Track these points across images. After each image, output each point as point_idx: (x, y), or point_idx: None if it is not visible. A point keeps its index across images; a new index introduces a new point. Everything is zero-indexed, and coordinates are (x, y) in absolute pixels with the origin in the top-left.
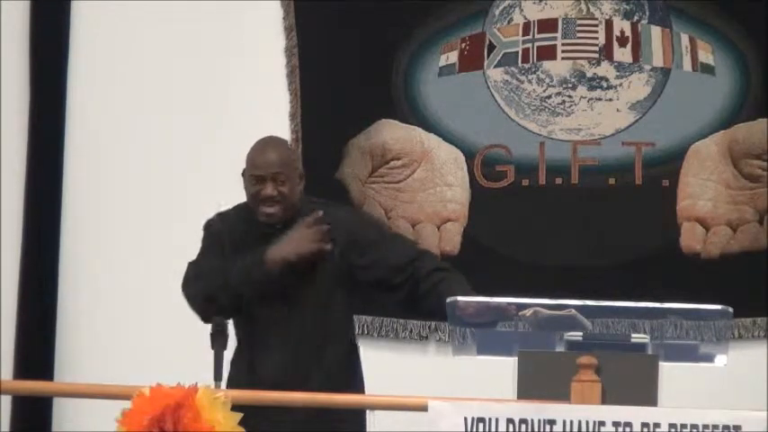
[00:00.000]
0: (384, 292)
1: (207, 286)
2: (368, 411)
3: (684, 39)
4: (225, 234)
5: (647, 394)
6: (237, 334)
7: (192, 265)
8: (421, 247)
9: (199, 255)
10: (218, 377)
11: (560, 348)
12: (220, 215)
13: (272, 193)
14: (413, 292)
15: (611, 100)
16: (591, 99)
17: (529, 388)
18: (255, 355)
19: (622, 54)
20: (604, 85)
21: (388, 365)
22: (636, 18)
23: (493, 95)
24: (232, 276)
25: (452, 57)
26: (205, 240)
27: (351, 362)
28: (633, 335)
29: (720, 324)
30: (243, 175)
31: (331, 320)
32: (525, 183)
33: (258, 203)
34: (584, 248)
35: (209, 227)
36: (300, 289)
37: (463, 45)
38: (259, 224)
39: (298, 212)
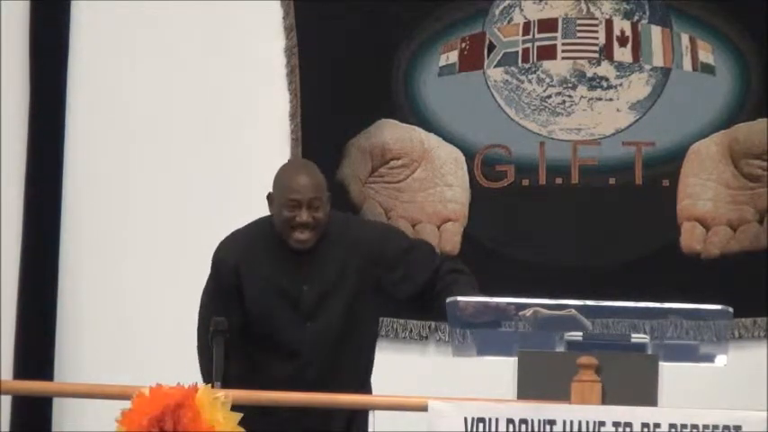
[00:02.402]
0: (409, 303)
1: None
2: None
3: (684, 38)
4: (238, 267)
5: (647, 394)
6: (245, 340)
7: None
8: (438, 255)
9: (203, 297)
10: (218, 377)
11: (560, 348)
12: (234, 239)
13: (307, 219)
14: (429, 296)
15: (611, 100)
16: (591, 99)
17: (529, 388)
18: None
19: (622, 54)
20: (604, 84)
21: (388, 365)
22: (636, 18)
23: (493, 95)
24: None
25: (452, 56)
26: (211, 279)
27: (368, 375)
28: (633, 335)
29: (720, 324)
30: (269, 198)
31: (355, 334)
32: (525, 183)
33: (291, 229)
34: (585, 248)
35: (220, 256)
36: (323, 303)
37: (463, 45)
38: (282, 243)
39: (324, 232)
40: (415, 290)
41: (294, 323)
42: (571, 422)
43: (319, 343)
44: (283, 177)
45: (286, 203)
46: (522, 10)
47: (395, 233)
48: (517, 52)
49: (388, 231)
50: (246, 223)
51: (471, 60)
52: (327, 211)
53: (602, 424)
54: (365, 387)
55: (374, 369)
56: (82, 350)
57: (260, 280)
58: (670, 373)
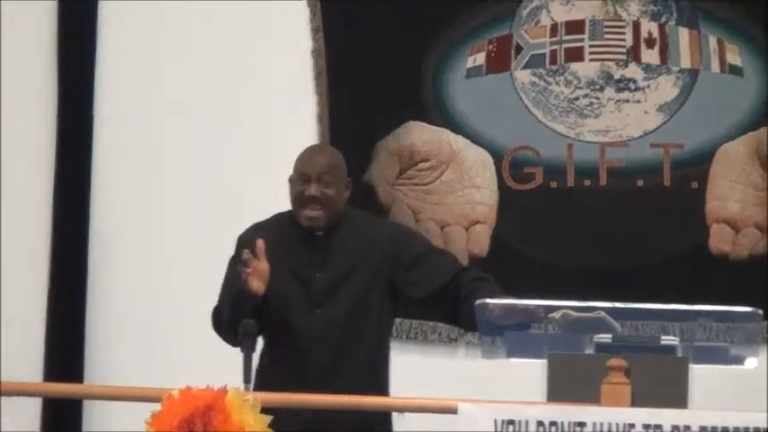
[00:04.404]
0: (428, 308)
1: (222, 325)
2: (396, 414)
3: (712, 40)
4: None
5: (677, 397)
6: (265, 336)
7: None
8: (461, 264)
9: (224, 279)
10: (247, 379)
11: (590, 351)
12: (255, 228)
13: (315, 193)
14: (454, 305)
15: (638, 102)
16: (619, 101)
17: (558, 390)
18: (284, 355)
19: (650, 56)
20: (632, 86)
21: (418, 368)
22: (663, 20)
23: (520, 97)
24: (228, 311)
25: (480, 58)
26: (231, 260)
27: (377, 366)
28: (663, 337)
29: (750, 326)
30: (289, 180)
31: (362, 324)
32: (553, 184)
33: (301, 205)
34: (613, 250)
35: (241, 244)
36: (334, 291)
37: (490, 47)
38: (300, 232)
39: (340, 222)
40: (432, 292)
41: (304, 309)
42: (601, 424)
43: (326, 331)
44: (299, 156)
45: (298, 178)
46: (549, 12)
47: (415, 236)
48: (544, 54)
49: (409, 233)
50: None
51: (499, 62)
52: (342, 193)
53: (631, 426)
54: (378, 386)
55: (404, 372)
56: (111, 352)
57: (275, 262)
58: (700, 375)
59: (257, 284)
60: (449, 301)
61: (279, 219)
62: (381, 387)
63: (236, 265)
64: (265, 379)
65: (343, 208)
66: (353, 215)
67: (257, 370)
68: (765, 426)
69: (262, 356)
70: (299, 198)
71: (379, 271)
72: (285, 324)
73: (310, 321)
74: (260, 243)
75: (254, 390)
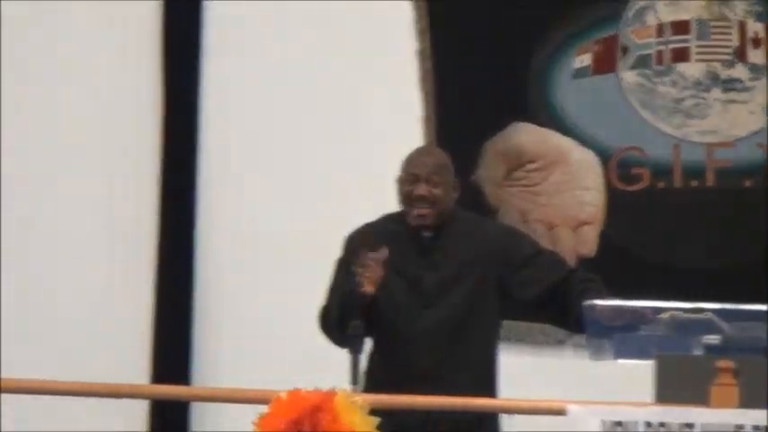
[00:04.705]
0: (536, 309)
1: (329, 325)
2: (506, 415)
3: None
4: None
5: None
6: (373, 337)
7: (327, 296)
8: (570, 265)
9: (332, 276)
10: (354, 381)
11: (698, 352)
12: (364, 229)
13: (424, 192)
14: (563, 306)
15: (745, 102)
16: (725, 101)
17: (667, 391)
18: (392, 355)
19: (755, 56)
20: (738, 86)
21: (526, 369)
22: None
23: (627, 98)
24: (336, 311)
25: (586, 59)
26: (339, 261)
27: (485, 366)
28: None
29: None
30: (397, 181)
31: (470, 324)
32: (661, 185)
33: (410, 204)
34: (721, 251)
35: (349, 245)
36: (442, 292)
37: (597, 47)
38: (408, 232)
39: (449, 222)
40: (540, 293)
41: (412, 308)
42: (710, 426)
43: (434, 330)
44: (408, 157)
45: (406, 178)
46: (655, 12)
47: (524, 236)
48: (651, 54)
49: (517, 234)
50: None
51: (605, 63)
52: (450, 193)
53: (740, 427)
54: (486, 387)
55: (512, 373)
56: (219, 353)
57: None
58: None
59: (370, 287)
60: (557, 302)
61: (387, 219)
62: (490, 386)
63: (345, 266)
64: (374, 378)
65: (451, 208)
66: (462, 216)
67: (366, 370)
68: None
69: (371, 356)
70: (407, 198)
71: (488, 271)
72: (393, 324)
73: (418, 321)
74: (384, 252)
75: (363, 390)
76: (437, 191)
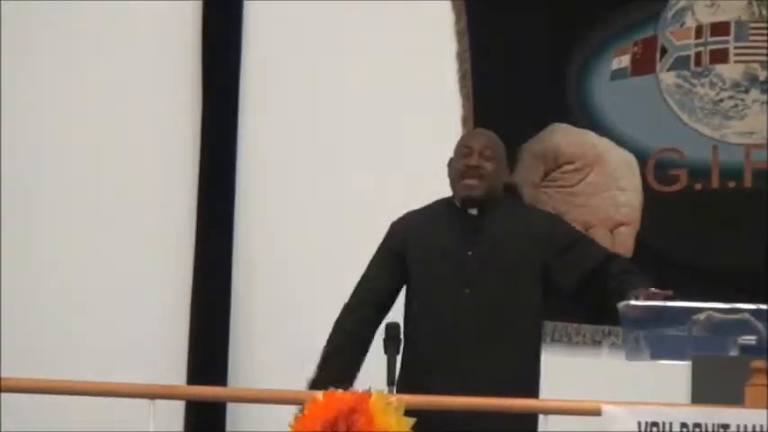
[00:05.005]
0: (576, 297)
1: (343, 320)
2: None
3: None
4: (407, 234)
5: None
6: (413, 314)
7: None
8: (610, 251)
9: (370, 262)
10: (391, 381)
11: (734, 353)
12: (407, 214)
13: (476, 163)
14: (602, 292)
15: None
16: (763, 102)
17: (703, 392)
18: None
19: None
20: None
21: (562, 369)
22: None
23: (665, 99)
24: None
25: (625, 60)
26: (380, 247)
27: (526, 351)
28: None
29: None
30: (449, 164)
31: (512, 306)
32: (698, 186)
33: (461, 176)
34: (758, 252)
35: (390, 229)
36: (484, 271)
37: (636, 49)
38: (455, 212)
39: (495, 204)
40: (581, 277)
41: (454, 288)
42: (745, 426)
43: (476, 310)
44: (463, 135)
45: (460, 153)
46: (694, 13)
47: (566, 223)
48: (689, 56)
49: (560, 220)
50: None
51: (644, 64)
52: (501, 173)
53: None
54: (526, 370)
55: (548, 374)
56: (255, 355)
57: (426, 241)
58: None
59: None
60: (597, 288)
61: (437, 202)
62: (530, 372)
63: (384, 252)
64: (413, 357)
65: (500, 189)
66: (509, 200)
67: (404, 349)
68: None
69: (409, 335)
70: (458, 172)
71: (531, 254)
72: (433, 303)
73: (459, 300)
74: None
75: (401, 367)
76: (488, 164)
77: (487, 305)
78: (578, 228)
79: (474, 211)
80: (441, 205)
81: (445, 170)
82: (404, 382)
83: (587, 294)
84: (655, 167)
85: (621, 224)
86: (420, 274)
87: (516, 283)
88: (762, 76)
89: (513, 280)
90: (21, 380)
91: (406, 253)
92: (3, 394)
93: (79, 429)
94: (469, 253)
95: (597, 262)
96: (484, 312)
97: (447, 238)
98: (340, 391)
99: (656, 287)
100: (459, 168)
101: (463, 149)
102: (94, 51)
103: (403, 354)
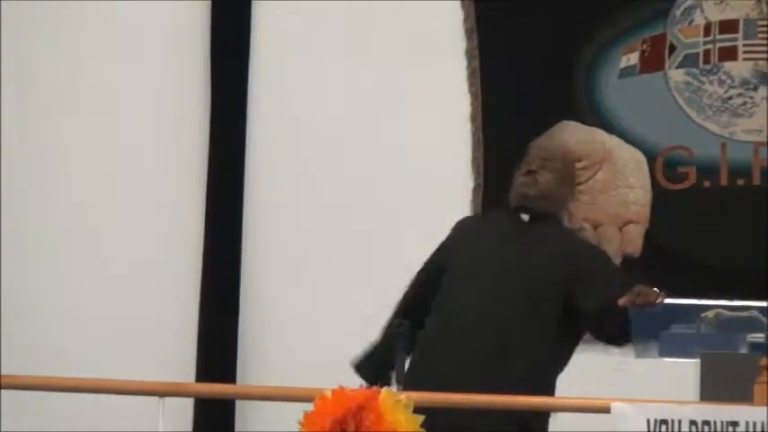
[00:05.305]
0: (594, 328)
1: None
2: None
3: None
4: (451, 240)
5: None
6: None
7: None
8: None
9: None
10: (400, 379)
11: (743, 350)
12: (471, 216)
13: (534, 168)
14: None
15: None
16: None
17: (711, 389)
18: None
19: None
20: None
21: (571, 368)
22: None
23: (674, 96)
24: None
25: (633, 58)
26: (438, 247)
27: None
28: None
29: None
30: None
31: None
32: (707, 184)
33: (518, 177)
34: (766, 250)
35: (454, 229)
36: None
37: (644, 46)
38: (505, 220)
39: (549, 219)
40: (597, 307)
41: (478, 290)
42: (754, 423)
43: (491, 317)
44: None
45: (524, 160)
46: (702, 11)
47: (601, 252)
48: (698, 53)
49: (595, 248)
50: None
51: (652, 62)
52: (559, 187)
53: None
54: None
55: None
56: (264, 352)
57: (463, 252)
58: None
59: None
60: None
61: (498, 209)
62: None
63: (442, 251)
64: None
65: (557, 205)
66: (562, 225)
67: (418, 346)
68: None
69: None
70: (518, 173)
71: (558, 278)
72: (454, 304)
73: (479, 304)
74: None
75: (411, 363)
76: (546, 173)
77: (497, 318)
78: (587, 227)
79: (526, 217)
80: (492, 214)
81: (452, 167)
82: (408, 381)
83: (603, 324)
84: (664, 165)
85: (630, 222)
86: (452, 271)
87: (531, 302)
88: None
89: (529, 298)
90: (31, 377)
91: (443, 264)
92: (10, 392)
93: (89, 428)
94: (502, 260)
95: (611, 297)
96: (490, 325)
97: (483, 246)
98: (348, 388)
99: (664, 285)
100: (520, 171)
101: (528, 156)
102: (104, 52)
103: (413, 353)
